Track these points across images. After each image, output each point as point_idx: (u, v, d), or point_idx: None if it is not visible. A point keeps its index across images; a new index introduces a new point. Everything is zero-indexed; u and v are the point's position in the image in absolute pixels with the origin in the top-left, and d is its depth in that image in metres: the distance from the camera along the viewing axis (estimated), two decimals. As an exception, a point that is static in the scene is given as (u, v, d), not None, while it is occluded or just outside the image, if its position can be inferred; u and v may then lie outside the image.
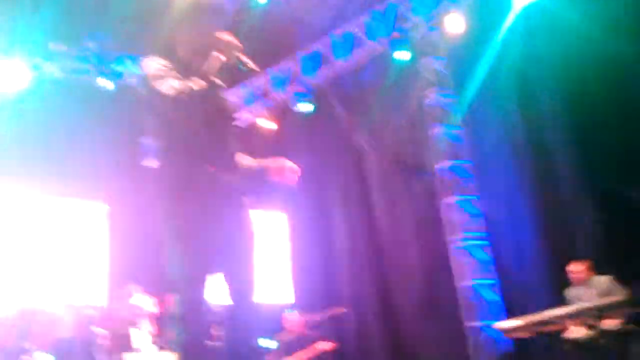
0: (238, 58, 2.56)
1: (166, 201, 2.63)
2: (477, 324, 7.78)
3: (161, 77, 2.53)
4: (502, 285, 8.02)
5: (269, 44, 9.76)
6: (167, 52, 2.68)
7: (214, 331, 6.71)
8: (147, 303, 8.26)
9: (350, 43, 9.58)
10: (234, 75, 2.62)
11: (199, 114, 2.52)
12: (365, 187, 10.58)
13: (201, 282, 2.64)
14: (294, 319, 6.78)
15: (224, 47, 2.53)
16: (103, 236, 10.42)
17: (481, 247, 8.22)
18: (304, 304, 8.12)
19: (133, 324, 7.65)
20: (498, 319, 7.55)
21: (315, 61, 9.91)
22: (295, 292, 10.83)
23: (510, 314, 7.34)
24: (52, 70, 9.74)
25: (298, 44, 10.22)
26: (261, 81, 10.32)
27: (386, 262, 9.87)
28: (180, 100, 2.44)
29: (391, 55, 9.12)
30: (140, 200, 10.12)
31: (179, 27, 2.73)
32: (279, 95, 10.23)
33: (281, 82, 10.20)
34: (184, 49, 2.69)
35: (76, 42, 9.82)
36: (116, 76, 10.09)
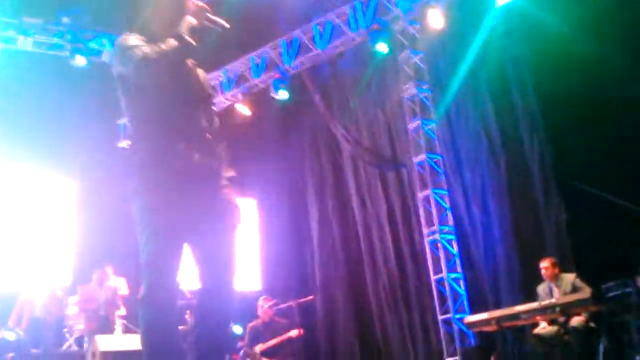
0: (208, 19, 2.58)
1: (136, 177, 2.56)
2: (447, 316, 7.88)
3: (135, 47, 2.50)
4: (472, 279, 8.14)
5: (249, 30, 9.68)
6: (141, 30, 2.63)
7: (187, 316, 6.71)
8: (119, 284, 8.21)
9: (330, 32, 9.56)
10: (204, 37, 2.55)
11: (172, 80, 2.50)
12: (339, 177, 10.62)
13: (170, 262, 2.54)
14: (264, 306, 6.78)
15: (194, 12, 2.53)
16: (72, 213, 10.27)
17: (452, 240, 8.32)
18: (273, 291, 8.13)
19: (107, 305, 7.59)
20: (467, 312, 7.67)
21: (295, 48, 9.87)
22: (265, 279, 10.84)
23: (478, 308, 7.46)
24: (26, 43, 9.53)
25: (278, 30, 10.16)
26: (240, 66, 10.24)
27: (358, 252, 9.93)
28: (151, 61, 2.41)
29: (371, 46, 9.11)
30: (111, 177, 10.06)
31: (152, 2, 2.69)
32: (257, 81, 10.16)
33: (260, 68, 10.13)
34: (157, 22, 2.65)
35: (51, 17, 9.61)
36: (90, 53, 9.91)
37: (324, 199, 10.72)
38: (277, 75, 9.89)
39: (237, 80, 10.28)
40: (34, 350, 7.09)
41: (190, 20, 2.50)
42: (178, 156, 2.50)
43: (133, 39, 2.53)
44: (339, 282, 10.02)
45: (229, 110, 10.39)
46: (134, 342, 6.61)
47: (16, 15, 9.34)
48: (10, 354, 6.75)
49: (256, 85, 10.23)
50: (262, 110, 10.55)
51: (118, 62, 2.56)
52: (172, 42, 2.46)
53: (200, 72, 2.74)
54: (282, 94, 9.83)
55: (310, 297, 7.27)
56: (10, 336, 6.86)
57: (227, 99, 10.41)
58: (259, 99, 10.44)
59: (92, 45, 9.99)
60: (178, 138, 2.51)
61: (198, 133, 2.59)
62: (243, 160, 11.40)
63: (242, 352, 6.74)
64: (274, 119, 10.98)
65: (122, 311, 8.02)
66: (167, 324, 2.52)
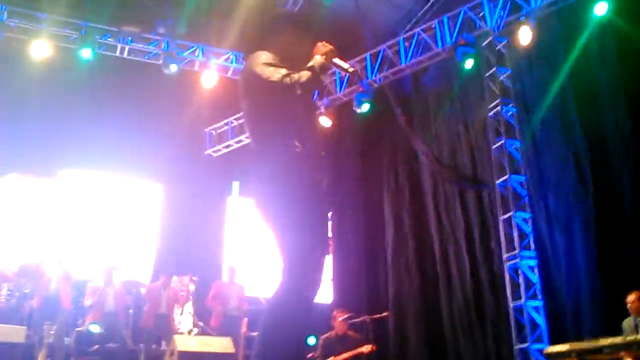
0: (334, 61, 2.88)
1: (281, 186, 2.66)
2: (524, 346, 7.62)
3: (271, 65, 2.72)
4: (552, 308, 7.83)
5: (335, 44, 9.80)
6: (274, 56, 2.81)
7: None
8: (190, 285, 8.46)
9: (416, 47, 9.53)
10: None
11: (304, 102, 2.74)
12: (417, 194, 10.51)
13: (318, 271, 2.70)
14: (339, 319, 6.80)
15: (323, 52, 2.82)
16: (157, 216, 10.72)
17: (533, 267, 8.05)
18: (344, 305, 8.14)
19: (169, 305, 7.84)
20: (546, 343, 7.40)
21: (379, 63, 9.90)
22: (337, 292, 10.87)
23: (558, 339, 7.17)
24: (124, 51, 10.05)
25: (364, 45, 10.23)
26: (324, 79, 10.36)
27: (433, 271, 9.78)
28: (298, 85, 2.66)
29: (456, 62, 9.02)
30: (196, 184, 10.44)
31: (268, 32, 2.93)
32: (340, 94, 10.27)
33: (344, 82, 10.24)
34: (288, 53, 2.85)
35: (147, 26, 10.08)
36: (182, 62, 10.32)
37: (401, 215, 10.63)
38: (360, 89, 9.96)
39: (321, 93, 10.41)
40: (111, 345, 7.39)
41: (320, 59, 2.76)
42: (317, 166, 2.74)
43: (269, 57, 2.76)
44: (412, 301, 9.89)
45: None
46: (209, 344, 6.83)
47: (115, 23, 9.87)
48: (96, 346, 7.10)
49: (339, 98, 10.33)
50: (343, 124, 10.63)
51: (250, 74, 2.75)
52: (308, 74, 2.71)
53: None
54: (364, 108, 9.88)
55: (385, 313, 7.23)
56: (95, 329, 7.20)
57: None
58: (341, 112, 10.52)
59: (185, 54, 10.38)
60: (318, 147, 2.78)
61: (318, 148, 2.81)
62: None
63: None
64: (354, 132, 11.03)
65: (189, 309, 8.29)
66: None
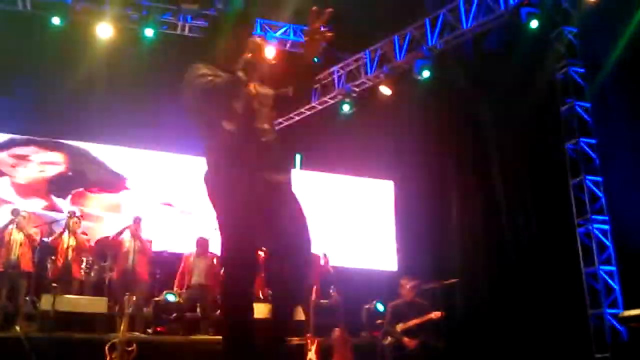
0: (261, 55, 2.88)
1: (211, 169, 2.92)
2: (597, 311, 7.46)
3: (203, 75, 2.88)
4: (627, 273, 7.62)
5: (393, 11, 9.66)
6: (211, 62, 3.00)
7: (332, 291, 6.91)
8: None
9: (477, 9, 9.26)
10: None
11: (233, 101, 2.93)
12: (482, 160, 10.33)
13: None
14: (407, 286, 6.82)
15: (251, 49, 2.83)
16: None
17: (607, 231, 7.82)
18: (410, 272, 8.14)
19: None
20: (620, 307, 7.23)
21: (439, 28, 9.69)
22: (402, 260, 10.90)
23: (633, 303, 6.99)
24: (185, 29, 10.22)
25: (423, 10, 10.02)
26: (383, 47, 10.25)
27: (501, 237, 9.65)
28: (213, 86, 2.83)
29: (520, 23, 8.72)
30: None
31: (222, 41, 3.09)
32: (400, 61, 10.12)
33: (403, 49, 10.08)
34: (223, 58, 3.00)
35: (206, 2, 10.19)
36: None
37: (465, 182, 10.49)
38: (420, 55, 9.79)
39: (380, 61, 10.30)
40: (189, 314, 7.69)
41: (246, 56, 2.81)
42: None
43: (203, 68, 2.92)
44: (480, 268, 9.81)
45: (372, 91, 10.46)
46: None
47: (175, 1, 10.02)
48: (174, 315, 7.40)
49: (399, 65, 10.19)
50: (404, 91, 10.49)
51: (188, 85, 2.93)
52: (227, 75, 2.83)
53: (261, 88, 3.04)
54: (425, 74, 9.72)
55: (454, 280, 7.19)
56: (172, 298, 7.51)
57: (369, 80, 10.47)
58: (401, 80, 10.39)
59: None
60: (244, 140, 2.90)
61: (262, 135, 2.95)
62: (382, 141, 11.55)
63: (382, 330, 6.86)
64: (416, 100, 10.87)
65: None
66: None
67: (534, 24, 8.55)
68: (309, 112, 11.10)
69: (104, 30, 9.53)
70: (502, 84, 9.94)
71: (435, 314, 6.56)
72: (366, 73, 10.43)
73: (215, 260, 8.13)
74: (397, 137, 11.13)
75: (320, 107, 11.06)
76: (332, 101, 10.89)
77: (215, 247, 8.54)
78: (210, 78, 2.83)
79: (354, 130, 10.83)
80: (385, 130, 11.23)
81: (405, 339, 6.47)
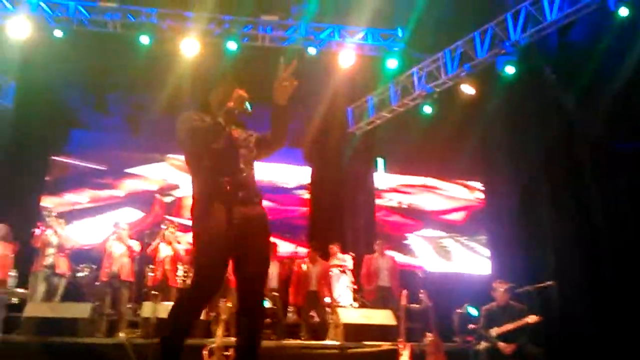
0: (243, 106, 3.41)
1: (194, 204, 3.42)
2: None
3: (191, 120, 3.39)
4: None
5: (475, 5, 9.47)
6: (203, 109, 3.49)
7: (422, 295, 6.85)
8: (346, 259, 8.63)
9: (562, 0, 8.92)
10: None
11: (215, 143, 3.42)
12: (572, 156, 9.93)
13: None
14: (500, 289, 6.66)
15: (235, 99, 3.37)
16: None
17: None
18: (503, 275, 7.93)
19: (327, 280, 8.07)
20: None
21: (521, 22, 9.40)
22: (495, 263, 10.64)
23: None
24: (265, 40, 10.45)
25: (503, 5, 9.77)
26: (463, 45, 10.06)
27: (595, 236, 9.22)
28: (196, 130, 3.37)
29: (607, 11, 8.32)
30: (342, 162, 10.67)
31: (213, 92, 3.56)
32: (481, 59, 9.90)
33: (484, 45, 9.85)
34: (213, 105, 3.46)
35: (284, 13, 10.39)
36: (321, 44, 10.52)
37: (557, 184, 10.08)
38: (502, 52, 9.54)
39: (460, 60, 10.12)
40: (280, 319, 7.80)
41: (229, 105, 3.34)
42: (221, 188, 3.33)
43: (192, 115, 3.42)
44: (576, 269, 9.39)
45: (453, 91, 10.28)
46: (371, 317, 7.00)
47: (254, 13, 10.29)
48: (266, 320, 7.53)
49: (481, 63, 9.97)
50: (488, 89, 10.25)
51: (179, 129, 3.42)
52: (210, 120, 3.35)
53: (242, 132, 3.54)
54: (509, 70, 9.46)
55: (550, 282, 6.95)
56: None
57: (450, 79, 10.30)
58: (484, 78, 10.16)
59: (322, 37, 10.58)
60: (221, 175, 3.35)
61: (237, 172, 3.41)
62: (467, 141, 11.33)
63: (476, 334, 6.72)
64: (500, 97, 10.59)
65: (348, 283, 8.55)
66: None
67: (624, 11, 8.14)
68: (390, 115, 11.05)
69: (189, 46, 9.92)
70: (588, 75, 9.52)
71: (531, 318, 6.35)
72: (446, 73, 10.27)
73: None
74: (482, 137, 10.89)
75: (401, 110, 10.99)
76: (412, 103, 10.80)
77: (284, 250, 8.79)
78: (195, 123, 3.34)
79: (437, 132, 10.70)
80: (469, 130, 11.02)
81: (501, 344, 6.30)
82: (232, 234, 3.24)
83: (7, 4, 9.80)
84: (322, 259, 8.51)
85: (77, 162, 11.30)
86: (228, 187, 3.31)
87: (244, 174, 3.43)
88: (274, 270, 8.29)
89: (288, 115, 3.50)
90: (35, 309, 6.81)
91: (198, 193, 3.40)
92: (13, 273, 8.06)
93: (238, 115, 3.38)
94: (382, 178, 11.69)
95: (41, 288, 7.62)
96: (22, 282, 8.08)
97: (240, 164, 3.43)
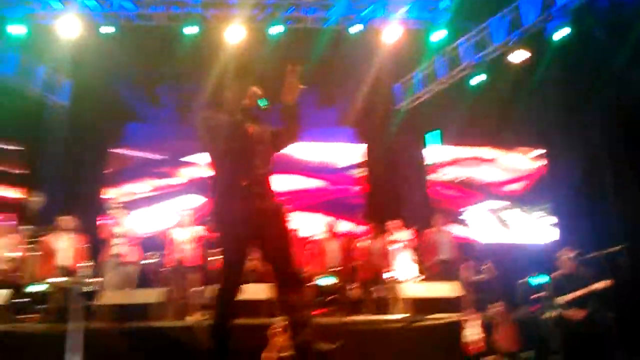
0: (255, 102, 3.67)
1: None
2: None
3: (209, 118, 3.71)
4: None
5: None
6: (219, 107, 3.74)
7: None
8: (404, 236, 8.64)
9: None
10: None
11: (231, 139, 3.71)
12: (630, 119, 9.62)
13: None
14: (567, 257, 6.57)
15: (249, 95, 3.64)
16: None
17: None
18: (569, 243, 7.80)
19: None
20: None
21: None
22: (561, 231, 10.47)
23: None
24: (307, 20, 10.45)
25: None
26: (511, 12, 9.82)
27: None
28: (215, 127, 3.69)
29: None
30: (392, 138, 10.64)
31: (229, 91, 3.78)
32: (531, 24, 9.66)
33: (534, 9, 9.60)
34: (230, 103, 3.70)
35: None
36: (364, 21, 10.45)
37: (617, 144, 9.80)
38: (551, 17, 9.28)
39: (509, 27, 9.89)
40: (342, 296, 7.88)
41: (245, 102, 3.63)
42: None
43: (208, 114, 3.71)
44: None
45: (503, 59, 10.07)
46: (435, 290, 7.01)
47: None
48: (331, 296, 7.62)
49: (529, 29, 9.72)
50: (538, 55, 10.01)
51: (198, 129, 3.69)
52: (227, 117, 3.64)
53: (258, 128, 3.71)
54: (560, 34, 9.21)
55: (618, 247, 6.79)
56: (327, 281, 7.76)
57: (499, 47, 10.09)
58: (534, 43, 9.91)
59: (365, 13, 10.51)
60: (238, 172, 3.58)
61: (254, 169, 3.63)
62: (522, 109, 11.08)
63: (544, 303, 6.65)
64: (552, 62, 10.33)
65: (411, 257, 8.53)
66: None
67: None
68: (438, 89, 10.92)
69: (234, 33, 9.99)
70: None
71: (601, 284, 6.26)
72: (494, 42, 10.06)
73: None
74: (536, 104, 10.65)
75: (448, 83, 10.83)
76: (460, 74, 10.63)
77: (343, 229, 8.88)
78: (212, 122, 3.62)
79: (489, 101, 10.53)
80: (522, 98, 10.79)
81: (571, 311, 6.23)
82: (250, 226, 3.54)
83: (58, 4, 10.04)
84: (381, 235, 8.55)
85: (134, 153, 11.62)
86: (244, 183, 3.55)
87: (260, 171, 3.65)
88: (335, 248, 8.38)
89: (297, 113, 3.71)
90: (108, 297, 7.03)
91: (216, 189, 3.64)
92: (87, 263, 8.37)
93: (253, 111, 3.62)
94: (436, 152, 11.59)
95: (111, 277, 7.93)
96: (94, 272, 8.37)
97: (257, 160, 3.64)
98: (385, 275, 8.17)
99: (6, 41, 9.87)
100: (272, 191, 3.70)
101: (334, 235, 8.69)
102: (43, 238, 8.05)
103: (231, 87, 3.75)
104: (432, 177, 11.72)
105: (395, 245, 8.62)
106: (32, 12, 10.18)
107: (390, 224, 9.03)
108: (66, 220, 8.10)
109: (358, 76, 10.79)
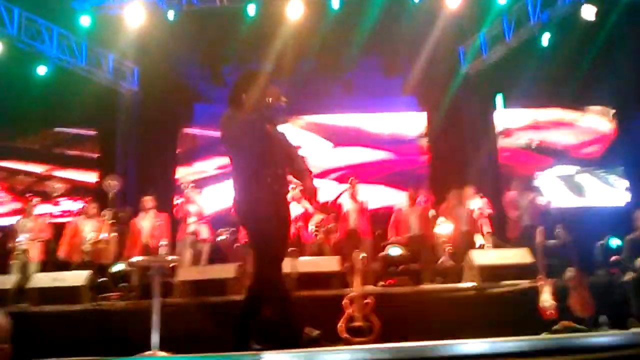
0: (278, 100, 3.89)
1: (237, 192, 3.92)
2: None
3: (231, 117, 3.92)
4: None
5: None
6: (240, 106, 3.88)
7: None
8: (479, 204, 8.51)
9: None
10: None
11: (253, 137, 3.90)
12: None
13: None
14: (640, 218, 6.32)
15: (271, 94, 3.86)
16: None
17: None
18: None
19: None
20: None
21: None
22: (636, 192, 10.04)
23: None
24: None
25: None
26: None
27: None
28: (240, 124, 3.87)
29: None
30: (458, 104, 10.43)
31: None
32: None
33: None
34: (250, 102, 3.85)
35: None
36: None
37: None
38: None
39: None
40: (413, 265, 7.88)
41: (267, 100, 3.81)
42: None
43: (231, 115, 3.88)
44: None
45: (572, 16, 9.60)
46: (507, 257, 6.90)
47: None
48: (401, 267, 7.64)
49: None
50: (609, 11, 9.49)
51: (220, 129, 3.91)
52: (250, 115, 3.82)
53: (278, 132, 3.87)
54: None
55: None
56: (396, 251, 7.79)
57: (568, 5, 9.61)
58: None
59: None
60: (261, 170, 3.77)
61: (274, 166, 3.80)
62: (594, 67, 10.57)
63: (621, 266, 6.45)
64: (623, 17, 9.78)
65: (487, 228, 8.32)
66: None
67: None
68: (505, 50, 10.53)
69: (294, 9, 9.99)
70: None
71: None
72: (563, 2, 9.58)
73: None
74: (609, 61, 10.13)
75: (516, 43, 10.43)
76: (528, 34, 10.21)
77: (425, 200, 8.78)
78: (234, 122, 3.80)
79: (558, 61, 10.10)
80: (592, 57, 10.30)
81: (651, 273, 6.01)
82: (284, 216, 3.84)
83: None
84: (459, 204, 8.42)
85: (203, 132, 11.98)
86: (269, 180, 3.73)
87: (279, 170, 3.82)
88: (413, 218, 8.36)
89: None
90: (185, 274, 7.33)
91: (242, 186, 3.81)
92: (165, 242, 8.76)
93: (275, 111, 3.82)
94: (505, 116, 11.28)
95: (187, 254, 8.28)
96: (172, 250, 8.74)
97: (277, 158, 3.81)
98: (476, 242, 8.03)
99: (77, 32, 10.33)
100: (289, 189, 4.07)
101: (414, 204, 8.61)
102: (131, 220, 8.49)
103: (251, 87, 3.88)
104: (502, 142, 11.42)
105: (476, 213, 8.42)
106: (100, 4, 10.59)
107: (465, 190, 8.82)
108: (147, 200, 8.51)
109: (421, 43, 10.59)
